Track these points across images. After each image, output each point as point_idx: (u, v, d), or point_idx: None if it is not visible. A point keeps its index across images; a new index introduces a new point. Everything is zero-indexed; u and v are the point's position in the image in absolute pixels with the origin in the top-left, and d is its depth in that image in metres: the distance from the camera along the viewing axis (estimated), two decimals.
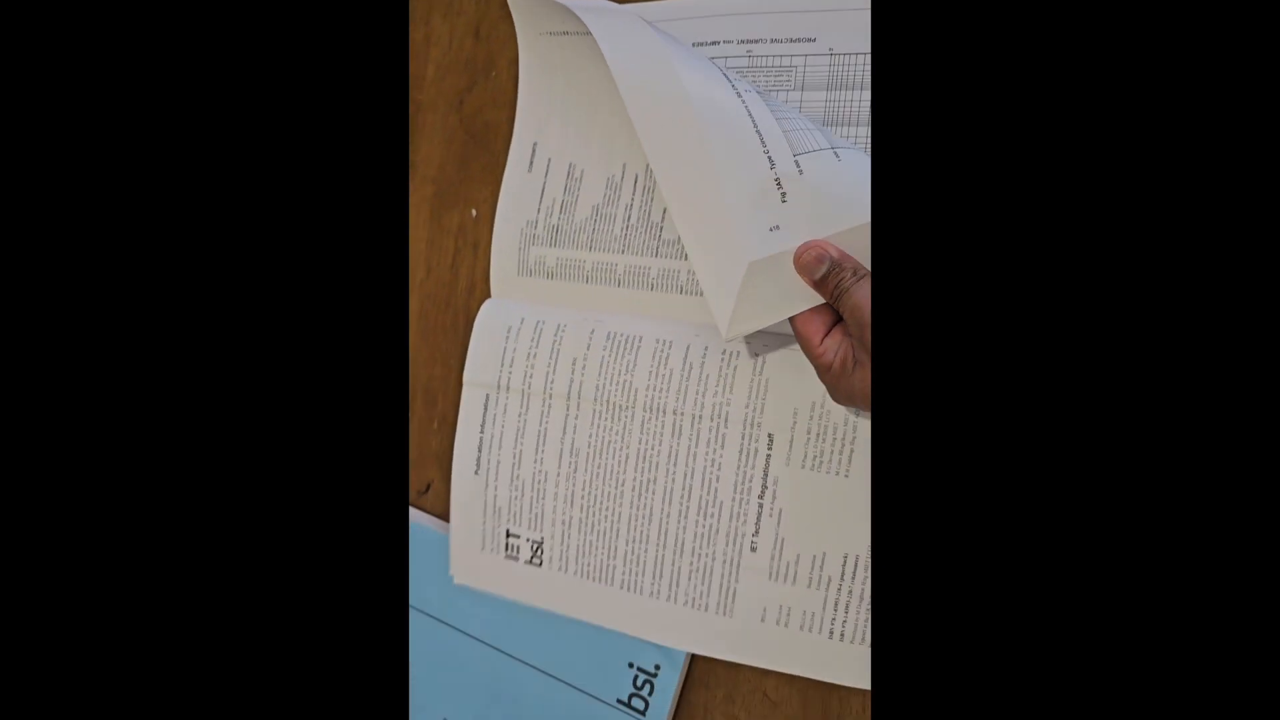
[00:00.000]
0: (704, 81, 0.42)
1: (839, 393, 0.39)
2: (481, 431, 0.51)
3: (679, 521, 0.47)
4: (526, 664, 0.52)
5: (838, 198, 0.40)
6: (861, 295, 0.37)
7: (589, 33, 0.47)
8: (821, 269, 0.39)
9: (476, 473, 0.51)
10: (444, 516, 0.56)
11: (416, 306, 0.57)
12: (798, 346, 0.45)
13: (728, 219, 0.40)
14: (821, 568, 0.44)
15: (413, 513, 0.57)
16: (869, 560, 0.43)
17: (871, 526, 0.30)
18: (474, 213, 0.55)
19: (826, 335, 0.40)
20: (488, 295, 0.54)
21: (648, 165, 0.49)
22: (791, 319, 0.41)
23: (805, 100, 0.46)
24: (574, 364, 0.49)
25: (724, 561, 0.46)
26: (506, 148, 0.54)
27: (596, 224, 0.50)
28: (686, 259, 0.48)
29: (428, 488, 0.57)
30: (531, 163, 0.52)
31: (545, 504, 0.50)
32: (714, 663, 0.48)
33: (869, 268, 0.39)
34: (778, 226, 0.40)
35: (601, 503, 0.49)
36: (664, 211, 0.48)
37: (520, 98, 0.52)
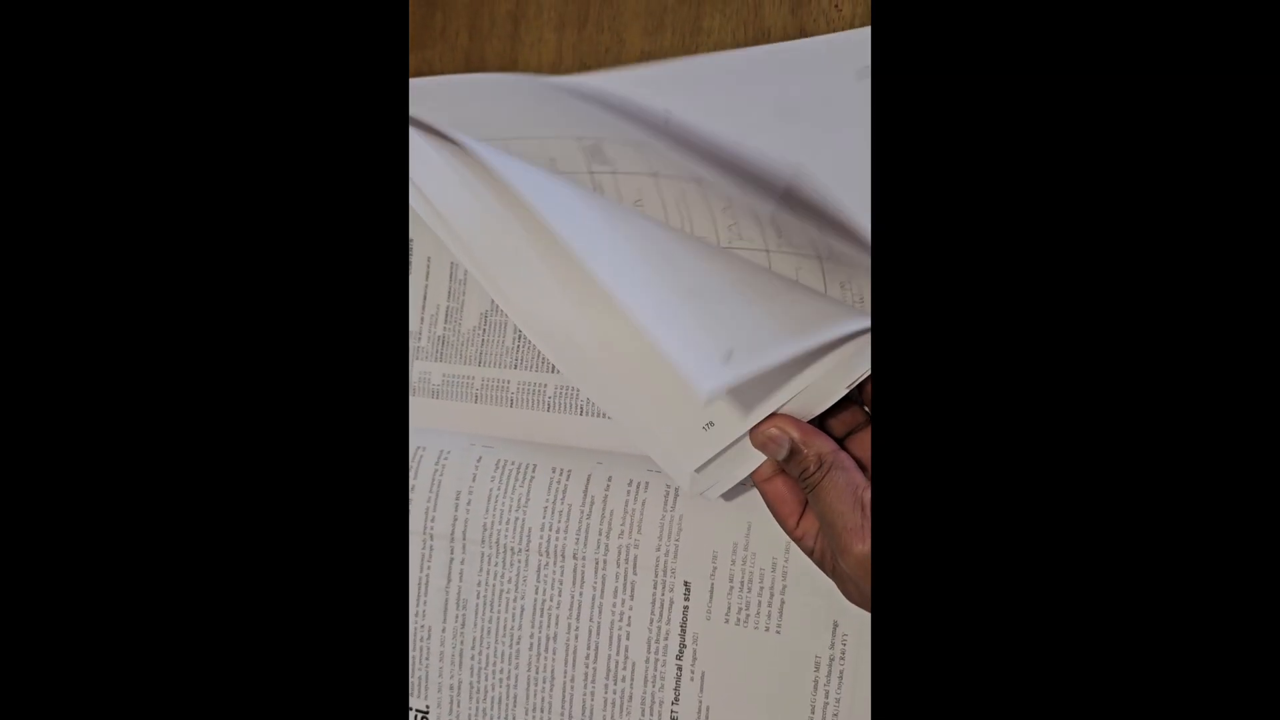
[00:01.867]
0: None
1: (837, 578, 0.33)
2: None
3: (585, 686, 0.39)
4: None
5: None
6: (832, 495, 0.31)
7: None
8: (782, 452, 0.32)
9: None
10: None
11: None
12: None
13: (670, 348, 0.30)
14: None
15: None
16: None
17: None
18: None
19: (802, 515, 0.33)
20: None
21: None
22: (757, 483, 0.34)
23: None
24: (457, 498, 0.42)
25: None
26: None
27: (485, 334, 0.44)
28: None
29: None
30: (410, 263, 0.45)
31: (430, 666, 0.42)
32: None
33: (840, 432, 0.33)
34: (731, 353, 0.31)
35: (495, 664, 0.41)
36: None
37: None
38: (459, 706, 0.42)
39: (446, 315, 0.45)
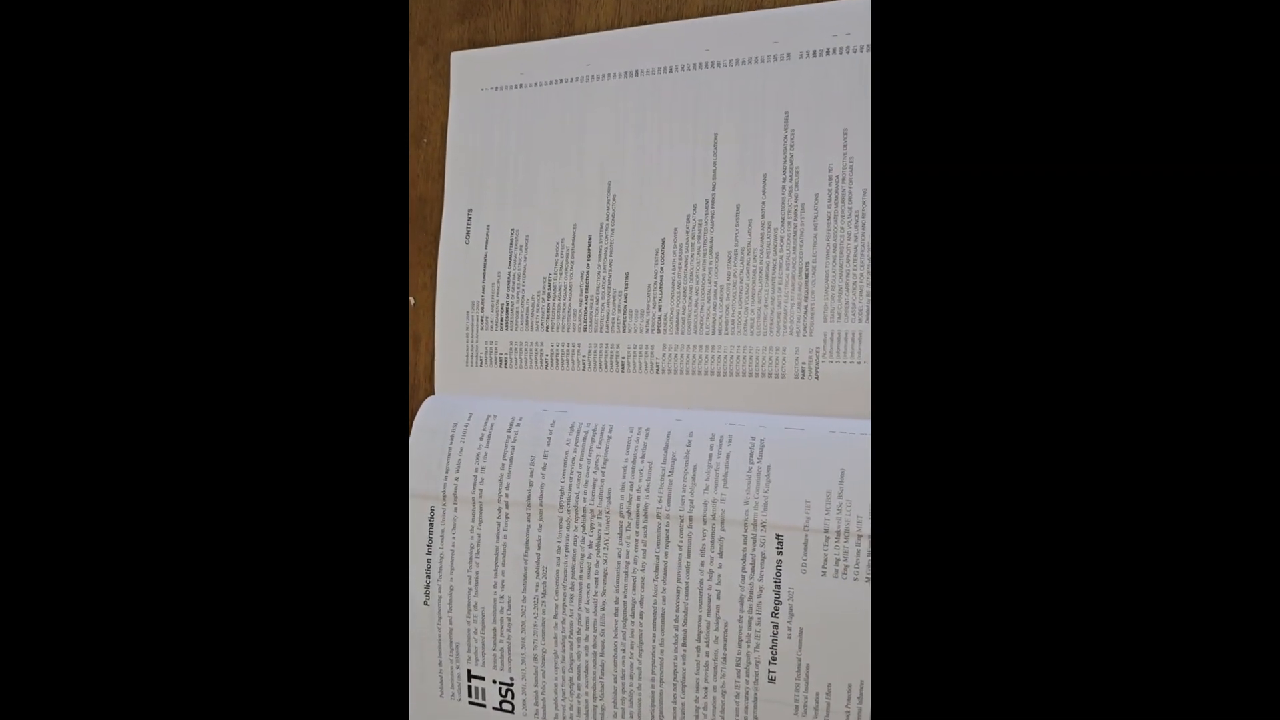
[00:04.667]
0: None
1: None
2: (429, 553, 0.42)
3: (676, 650, 0.38)
4: None
5: None
6: None
7: (535, 84, 0.41)
8: None
9: (426, 603, 0.43)
10: None
11: None
12: (801, 423, 0.37)
13: None
14: (860, 698, 0.35)
15: None
16: None
17: None
18: (413, 301, 0.48)
19: None
20: (430, 395, 0.46)
21: (602, 224, 0.42)
22: None
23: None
24: (532, 463, 0.41)
25: (738, 695, 0.37)
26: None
27: (550, 299, 0.43)
28: (660, 332, 0.40)
29: None
30: (468, 233, 0.45)
31: (511, 637, 0.41)
32: None
33: None
34: None
35: (579, 631, 0.40)
36: (626, 277, 0.41)
37: (449, 159, 0.45)
38: (544, 677, 0.41)
39: (509, 282, 0.44)
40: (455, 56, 0.46)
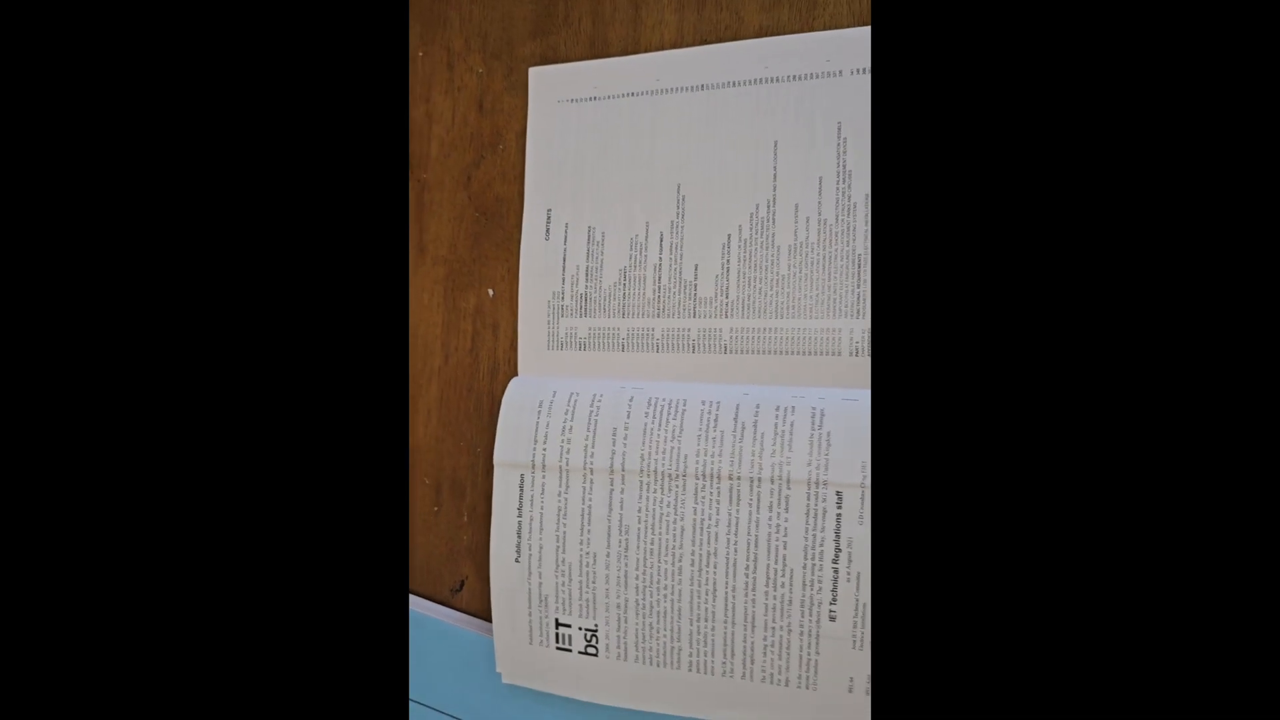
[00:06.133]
0: None
1: None
2: (519, 515, 0.48)
3: (746, 594, 0.44)
4: None
5: None
6: None
7: (608, 97, 0.46)
8: None
9: (517, 560, 0.48)
10: (482, 614, 0.52)
11: (436, 394, 0.54)
12: (856, 395, 0.42)
13: None
14: None
15: (447, 613, 0.53)
16: None
17: None
18: (491, 292, 0.53)
19: None
20: (511, 376, 0.51)
21: (672, 222, 0.47)
22: None
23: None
24: (614, 434, 0.46)
25: (801, 633, 0.43)
26: (520, 223, 0.52)
27: (626, 288, 0.48)
28: (728, 316, 0.46)
29: (460, 585, 0.53)
30: (548, 230, 0.50)
31: (596, 588, 0.46)
32: None
33: None
34: None
35: (659, 581, 0.45)
36: (695, 268, 0.46)
37: (529, 163, 0.51)
38: (626, 622, 0.46)
39: (587, 274, 0.49)
40: (533, 72, 0.51)
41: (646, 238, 0.48)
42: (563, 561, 0.47)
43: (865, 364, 0.43)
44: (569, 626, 0.47)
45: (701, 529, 0.44)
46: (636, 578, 0.46)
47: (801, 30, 0.46)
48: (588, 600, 0.47)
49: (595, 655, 0.47)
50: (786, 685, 0.43)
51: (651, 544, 0.45)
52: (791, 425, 0.43)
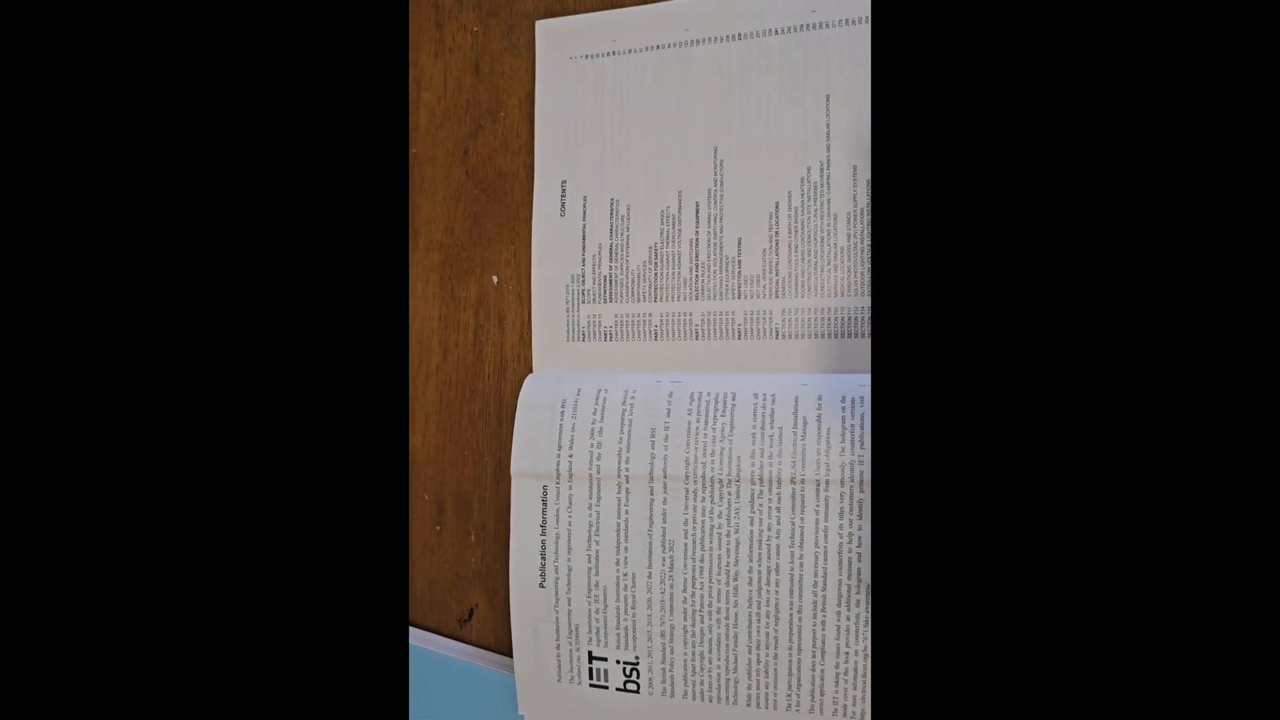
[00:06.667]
0: None
1: None
2: (543, 533, 0.41)
3: (815, 616, 0.38)
4: None
5: None
6: None
7: (629, 50, 0.40)
8: None
9: (542, 585, 0.41)
10: (497, 647, 0.46)
11: (434, 397, 0.47)
12: None
13: None
14: None
15: (456, 647, 0.46)
16: None
17: None
18: (495, 279, 0.47)
19: None
20: (522, 374, 0.45)
21: (710, 190, 0.41)
22: None
23: None
24: (653, 435, 0.40)
25: None
26: (526, 200, 0.45)
27: (657, 268, 0.42)
28: (778, 296, 0.40)
29: (470, 614, 0.47)
30: (564, 206, 0.44)
31: (637, 615, 0.40)
32: None
33: None
34: None
35: (710, 604, 0.39)
36: (739, 242, 0.40)
37: (538, 131, 0.44)
38: (672, 653, 0.40)
39: (611, 253, 0.43)
40: (540, 25, 0.45)
41: (680, 210, 0.42)
42: (596, 585, 0.41)
43: None
44: (605, 660, 0.41)
45: (760, 541, 0.38)
46: (683, 601, 0.39)
47: None
48: (626, 629, 0.40)
49: (636, 692, 0.40)
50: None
51: (701, 561, 0.39)
52: (861, 418, 0.37)
